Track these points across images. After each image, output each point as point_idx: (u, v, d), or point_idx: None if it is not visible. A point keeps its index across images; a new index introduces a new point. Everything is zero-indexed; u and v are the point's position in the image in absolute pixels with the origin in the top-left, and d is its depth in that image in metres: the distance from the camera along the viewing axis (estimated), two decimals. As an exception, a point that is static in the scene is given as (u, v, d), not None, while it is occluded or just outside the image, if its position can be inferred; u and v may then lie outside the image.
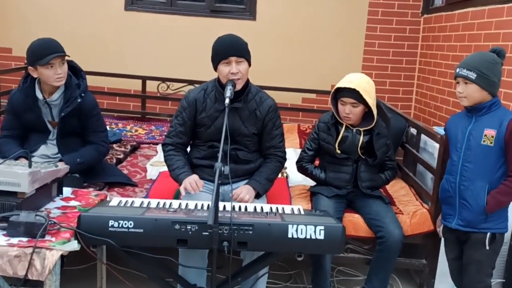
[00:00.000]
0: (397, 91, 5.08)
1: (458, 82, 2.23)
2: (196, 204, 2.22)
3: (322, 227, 1.89)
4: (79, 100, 2.71)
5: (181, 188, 2.32)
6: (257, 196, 2.50)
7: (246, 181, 2.59)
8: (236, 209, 2.19)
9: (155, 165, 3.60)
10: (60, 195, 2.26)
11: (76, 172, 2.75)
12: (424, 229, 2.73)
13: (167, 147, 2.57)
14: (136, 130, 4.59)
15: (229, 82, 2.36)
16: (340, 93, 2.64)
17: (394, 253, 2.54)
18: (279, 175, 3.03)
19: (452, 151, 2.34)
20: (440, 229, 2.48)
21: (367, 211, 2.67)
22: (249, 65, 2.45)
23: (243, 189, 2.45)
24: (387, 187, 3.16)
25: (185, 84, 4.95)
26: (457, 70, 2.22)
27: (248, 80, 2.52)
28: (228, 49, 2.37)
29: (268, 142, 2.59)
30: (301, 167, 2.85)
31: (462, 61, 2.22)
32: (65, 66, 2.67)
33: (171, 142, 2.56)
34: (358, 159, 2.72)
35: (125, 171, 3.37)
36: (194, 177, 2.38)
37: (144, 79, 4.95)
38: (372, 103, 2.59)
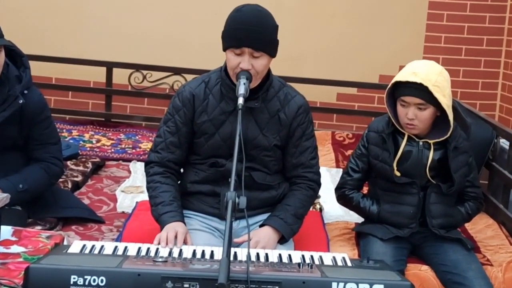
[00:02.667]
0: (474, 84, 5.08)
1: None
2: (194, 250, 2.22)
3: (381, 286, 1.88)
4: (21, 101, 2.72)
5: (155, 239, 2.31)
6: (281, 240, 2.49)
7: (262, 216, 2.59)
8: (253, 257, 2.19)
9: (129, 191, 3.60)
10: (-3, 238, 2.26)
11: (18, 203, 2.74)
12: (523, 288, 2.71)
13: (152, 168, 2.56)
14: (98, 140, 4.60)
15: (242, 73, 2.36)
16: (400, 90, 2.63)
17: (481, 323, 2.52)
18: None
19: None
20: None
21: (441, 260, 2.65)
22: (274, 56, 2.45)
23: (260, 237, 2.42)
24: (467, 225, 3.14)
25: (169, 73, 4.98)
26: None
27: (269, 71, 2.53)
28: (244, 35, 2.35)
29: (296, 158, 2.59)
30: (343, 197, 2.84)
31: None
32: (2, 55, 2.68)
33: (158, 159, 2.56)
34: (427, 185, 2.70)
35: (86, 201, 3.37)
36: (179, 227, 2.34)
37: (109, 66, 4.98)
38: (446, 104, 2.59)
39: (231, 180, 1.97)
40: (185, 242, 2.31)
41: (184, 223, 2.42)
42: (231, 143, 2.46)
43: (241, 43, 2.36)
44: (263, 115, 2.51)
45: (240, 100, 2.25)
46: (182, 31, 5.09)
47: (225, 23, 2.43)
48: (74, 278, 1.83)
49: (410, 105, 2.61)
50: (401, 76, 2.61)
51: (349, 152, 4.43)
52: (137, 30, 5.11)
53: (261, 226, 2.50)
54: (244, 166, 2.18)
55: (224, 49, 2.43)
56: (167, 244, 2.27)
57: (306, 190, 2.59)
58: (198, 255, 2.18)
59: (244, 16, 2.38)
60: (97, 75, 5.04)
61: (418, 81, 2.54)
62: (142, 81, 5.02)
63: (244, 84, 2.31)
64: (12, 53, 2.82)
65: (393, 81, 2.64)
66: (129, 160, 4.21)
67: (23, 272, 1.89)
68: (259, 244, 2.38)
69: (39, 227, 2.81)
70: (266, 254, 2.23)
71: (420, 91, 2.56)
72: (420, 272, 2.68)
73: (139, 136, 4.76)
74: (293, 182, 2.62)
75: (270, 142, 2.53)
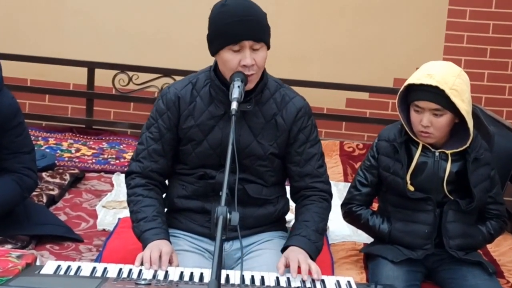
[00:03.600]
0: (501, 89, 5.09)
1: None
2: (182, 272, 2.24)
3: (389, 314, 1.91)
4: (-9, 105, 2.76)
5: (137, 258, 2.33)
6: None
7: (259, 236, 2.61)
8: (247, 281, 2.21)
9: (111, 206, 3.62)
10: (-38, 257, 2.28)
11: (-15, 218, 2.78)
12: (551, 318, 2.72)
13: (133, 180, 2.58)
14: (77, 150, 4.63)
15: (237, 75, 2.39)
16: (414, 94, 2.65)
17: None
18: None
19: None
20: None
21: (459, 286, 2.65)
22: (269, 47, 2.49)
23: (288, 255, 2.36)
24: (489, 247, 3.15)
25: (158, 75, 5.01)
26: None
27: (264, 69, 2.54)
28: (241, 27, 2.38)
29: (301, 168, 2.60)
30: (350, 213, 2.85)
31: None
32: None
33: (140, 169, 2.58)
34: (444, 201, 2.71)
35: (62, 217, 3.39)
36: (163, 246, 2.35)
37: (91, 66, 5.01)
38: (465, 109, 2.60)
39: (222, 194, 1.99)
40: (170, 263, 2.32)
41: (170, 241, 2.44)
42: (221, 152, 2.49)
43: (240, 36, 2.38)
44: (257, 119, 2.53)
45: (234, 105, 2.27)
46: (173, 28, 5.12)
47: (211, 23, 2.46)
48: (46, 302, 1.87)
49: (424, 111, 2.62)
50: (414, 78, 2.63)
51: (360, 164, 4.45)
52: (122, 27, 5.13)
53: (282, 250, 2.46)
54: (237, 178, 2.20)
55: (217, 50, 2.44)
56: (151, 264, 2.28)
57: (320, 202, 2.60)
58: (186, 278, 2.20)
59: (234, 9, 2.40)
60: (77, 76, 5.07)
61: (434, 84, 2.56)
62: (128, 83, 5.04)
63: (239, 87, 2.33)
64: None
65: (405, 83, 2.66)
66: (112, 172, 4.23)
67: (-11, 295, 1.91)
68: (292, 264, 2.32)
69: (9, 246, 2.83)
70: (262, 277, 2.25)
71: (435, 95, 2.57)
72: (436, 299, 2.70)
73: (124, 145, 4.79)
74: (302, 196, 2.62)
75: (265, 150, 2.55)
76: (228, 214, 1.92)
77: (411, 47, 5.05)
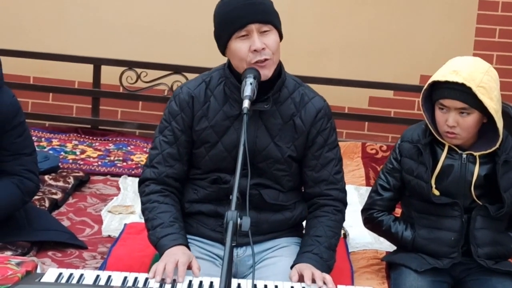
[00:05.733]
0: (535, 87, 5.07)
1: None
2: (191, 281, 2.26)
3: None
4: (-10, 104, 2.79)
5: (151, 270, 2.31)
6: None
7: (274, 241, 2.63)
8: (260, 290, 2.22)
9: (117, 211, 3.65)
10: (-41, 264, 2.31)
11: (-16, 224, 2.81)
12: None
13: (147, 187, 2.59)
14: (82, 151, 4.66)
15: (249, 71, 2.41)
16: (439, 91, 2.64)
17: None
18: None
19: None
20: None
21: (488, 298, 2.67)
22: (281, 37, 2.51)
23: (299, 268, 2.38)
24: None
25: (168, 72, 5.02)
26: None
27: (281, 66, 2.57)
28: (244, 11, 2.42)
29: (317, 173, 2.61)
30: (371, 220, 2.85)
31: None
32: None
33: (155, 175, 2.59)
34: (471, 207, 2.70)
35: (66, 223, 3.42)
36: (180, 254, 2.33)
37: (97, 63, 5.04)
38: (494, 108, 2.59)
39: (232, 197, 2.00)
40: (189, 268, 2.31)
41: (188, 247, 2.44)
42: (236, 155, 2.47)
43: (245, 19, 2.41)
44: (274, 120, 2.55)
45: (246, 103, 2.28)
46: (183, 22, 5.13)
47: (215, 17, 2.50)
48: (47, 312, 1.89)
49: (450, 110, 2.62)
50: (439, 75, 2.63)
51: (381, 167, 4.44)
52: (130, 21, 5.15)
53: (291, 267, 2.47)
54: (249, 182, 2.21)
55: (226, 44, 2.47)
56: (160, 276, 2.25)
57: (333, 214, 2.61)
58: (195, 287, 2.21)
59: None
60: (83, 74, 5.10)
61: (460, 81, 2.55)
62: (136, 81, 5.05)
63: (251, 84, 2.35)
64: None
65: (430, 81, 2.66)
66: (119, 175, 4.27)
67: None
68: (306, 272, 2.34)
69: (9, 253, 2.86)
70: (276, 287, 2.26)
71: (462, 93, 2.57)
72: (464, 312, 2.70)
73: (132, 146, 4.81)
74: (315, 204, 2.64)
75: (283, 153, 2.56)
76: (239, 219, 1.93)
77: (438, 41, 5.03)
